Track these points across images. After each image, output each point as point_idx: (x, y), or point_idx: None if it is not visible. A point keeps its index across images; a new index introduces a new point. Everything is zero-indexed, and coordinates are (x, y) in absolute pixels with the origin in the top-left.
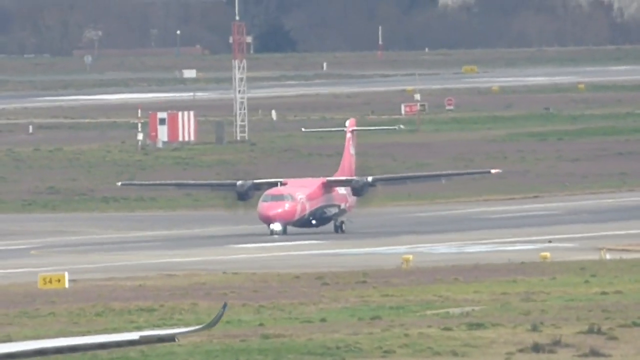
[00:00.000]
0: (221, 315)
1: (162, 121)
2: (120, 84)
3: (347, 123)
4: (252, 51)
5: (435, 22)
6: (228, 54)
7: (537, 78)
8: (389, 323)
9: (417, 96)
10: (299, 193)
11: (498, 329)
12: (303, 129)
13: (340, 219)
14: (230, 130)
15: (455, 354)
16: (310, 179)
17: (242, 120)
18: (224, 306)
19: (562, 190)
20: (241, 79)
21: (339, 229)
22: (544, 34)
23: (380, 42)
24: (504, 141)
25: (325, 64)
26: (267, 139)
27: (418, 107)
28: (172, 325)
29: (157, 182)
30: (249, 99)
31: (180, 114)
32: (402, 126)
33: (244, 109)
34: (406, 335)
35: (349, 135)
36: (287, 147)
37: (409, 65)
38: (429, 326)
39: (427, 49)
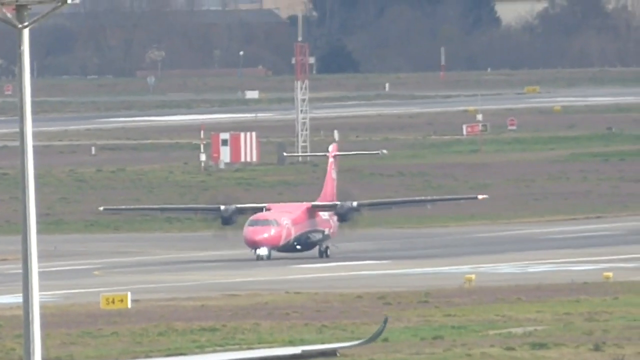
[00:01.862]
0: (382, 330)
1: (225, 142)
2: (182, 105)
3: (330, 148)
4: (314, 72)
5: (498, 42)
6: (290, 75)
7: (600, 98)
8: (451, 343)
9: (479, 116)
10: (284, 218)
11: (561, 349)
12: (285, 154)
13: (324, 244)
14: (291, 151)
15: None
16: (295, 203)
17: (304, 141)
18: (385, 320)
19: (625, 211)
20: (303, 100)
21: (323, 254)
22: (605, 54)
23: (442, 63)
24: (567, 161)
25: (387, 85)
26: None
27: (480, 127)
28: (235, 345)
29: (140, 207)
30: (311, 119)
31: (242, 134)
32: (384, 151)
33: (306, 130)
34: (468, 355)
35: (331, 160)
36: (348, 167)
37: (471, 86)
38: (492, 346)
39: (489, 69)
